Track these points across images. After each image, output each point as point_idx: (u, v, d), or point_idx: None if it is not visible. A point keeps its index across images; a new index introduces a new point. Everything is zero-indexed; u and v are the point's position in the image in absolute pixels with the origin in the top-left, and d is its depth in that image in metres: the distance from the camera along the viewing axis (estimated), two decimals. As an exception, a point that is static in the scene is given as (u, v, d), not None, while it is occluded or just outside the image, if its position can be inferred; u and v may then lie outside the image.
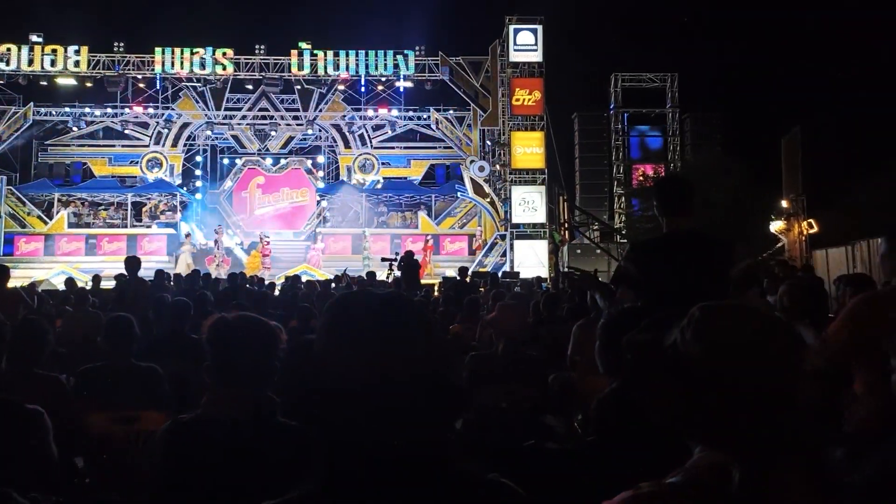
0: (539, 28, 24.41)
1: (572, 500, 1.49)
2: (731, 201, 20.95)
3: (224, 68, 24.61)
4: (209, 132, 26.21)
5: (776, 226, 18.94)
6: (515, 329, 3.62)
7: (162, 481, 1.92)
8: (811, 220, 17.98)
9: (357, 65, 24.73)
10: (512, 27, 24.36)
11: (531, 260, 23.22)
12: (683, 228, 2.99)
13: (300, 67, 24.64)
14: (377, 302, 1.07)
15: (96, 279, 11.90)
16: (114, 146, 26.75)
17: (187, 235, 22.69)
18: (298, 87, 25.10)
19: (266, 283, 14.42)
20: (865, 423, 2.41)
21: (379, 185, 26.53)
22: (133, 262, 8.17)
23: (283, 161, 26.95)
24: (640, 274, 2.92)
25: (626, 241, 24.87)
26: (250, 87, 25.53)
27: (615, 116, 30.36)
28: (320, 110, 25.84)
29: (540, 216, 24.34)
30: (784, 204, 19.14)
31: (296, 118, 26.19)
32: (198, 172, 27.04)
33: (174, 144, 26.11)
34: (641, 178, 27.57)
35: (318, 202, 26.43)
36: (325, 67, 24.66)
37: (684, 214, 3.00)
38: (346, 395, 0.98)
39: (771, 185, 21.33)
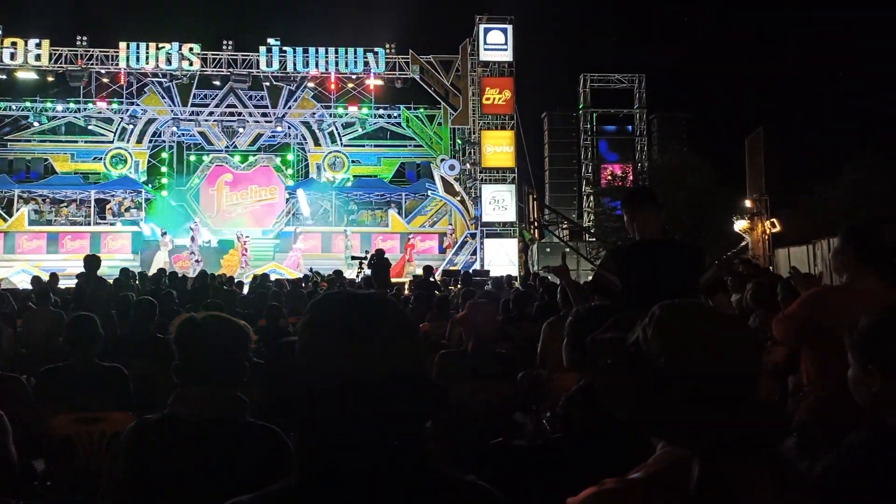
0: (509, 28, 24.52)
1: (538, 497, 1.52)
2: (696, 200, 21.31)
3: (191, 64, 24.23)
4: (175, 128, 25.79)
5: (740, 225, 19.34)
6: (485, 327, 3.64)
7: (128, 482, 1.90)
8: (774, 220, 18.39)
9: (327, 62, 24.55)
10: (482, 26, 24.43)
11: (501, 258, 23.33)
12: (655, 236, 3.08)
13: (269, 64, 24.38)
14: (358, 301, 1.08)
15: (53, 278, 11.57)
16: (76, 142, 26.13)
17: (164, 234, 22.30)
18: (267, 83, 24.84)
19: (235, 281, 14.24)
20: (812, 412, 2.50)
21: (349, 183, 26.40)
22: (92, 261, 7.99)
23: (251, 158, 26.64)
24: (619, 281, 2.97)
25: (595, 239, 25.15)
26: (218, 83, 25.19)
27: (584, 116, 30.64)
28: (290, 107, 25.61)
29: (510, 215, 24.47)
30: (748, 203, 19.54)
31: (264, 115, 25.90)
32: (164, 169, 26.57)
33: (139, 140, 25.62)
34: (610, 177, 27.86)
35: (288, 200, 26.19)
36: (295, 64, 24.43)
37: (654, 213, 3.09)
38: (327, 393, 0.98)
39: (735, 184, 21.75)
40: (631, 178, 26.25)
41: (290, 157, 27.32)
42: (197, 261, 20.83)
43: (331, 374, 0.99)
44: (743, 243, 19.65)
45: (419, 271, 21.37)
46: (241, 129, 26.24)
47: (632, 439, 1.19)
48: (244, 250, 22.21)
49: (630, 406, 1.05)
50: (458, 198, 24.92)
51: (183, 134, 26.40)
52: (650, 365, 1.04)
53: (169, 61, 24.08)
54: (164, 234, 22.31)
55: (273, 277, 14.82)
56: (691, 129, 30.83)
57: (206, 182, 26.12)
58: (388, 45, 24.87)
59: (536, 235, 23.76)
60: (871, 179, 23.60)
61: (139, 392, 3.66)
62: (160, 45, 24.03)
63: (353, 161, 26.52)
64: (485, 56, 24.47)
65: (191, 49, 24.21)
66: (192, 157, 27.09)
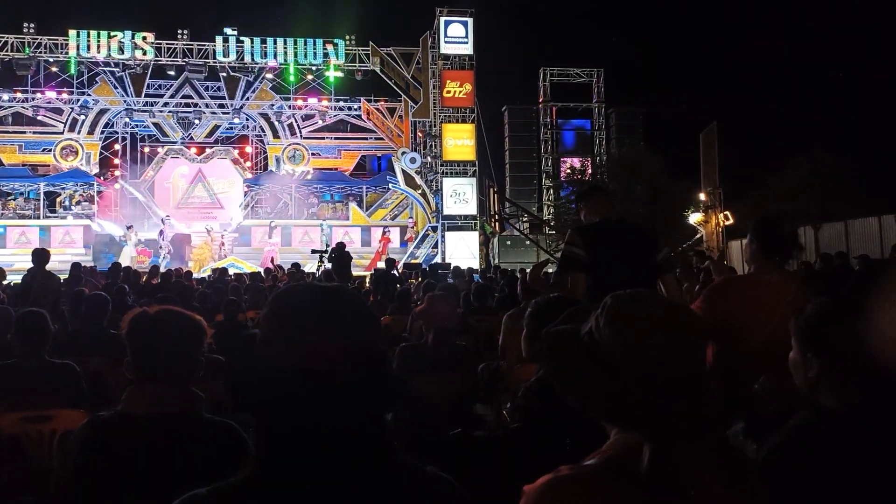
0: (470, 21, 24.53)
1: (496, 486, 1.53)
2: (652, 194, 21.71)
3: (144, 53, 23.60)
4: (129, 119, 25.13)
5: (695, 218, 19.76)
6: (445, 320, 3.66)
7: (80, 481, 1.86)
8: (727, 213, 18.84)
9: (286, 53, 24.21)
10: (443, 19, 24.39)
11: (462, 251, 23.41)
12: (615, 216, 3.19)
13: (225, 54, 23.92)
14: (320, 293, 1.08)
15: (-1, 273, 11.15)
16: (24, 133, 25.23)
17: (129, 227, 21.73)
18: (224, 74, 24.37)
19: (194, 275, 13.98)
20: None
21: (309, 176, 26.12)
22: (40, 255, 7.74)
23: (208, 150, 26.14)
24: (587, 256, 3.05)
25: (554, 232, 25.40)
26: (172, 73, 24.61)
27: (544, 110, 30.89)
28: (247, 99, 25.18)
29: (471, 208, 24.55)
30: (702, 197, 19.98)
31: (221, 106, 25.42)
32: (117, 161, 25.88)
33: (90, 132, 24.88)
34: (569, 170, 28.18)
35: (246, 193, 25.80)
36: (252, 55, 24.03)
37: (608, 203, 3.21)
38: (286, 385, 0.98)
39: (690, 178, 22.21)
40: (590, 171, 26.60)
41: (248, 149, 26.90)
42: (169, 252, 20.50)
43: (290, 365, 0.99)
44: (697, 235, 20.10)
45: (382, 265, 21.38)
46: (197, 121, 25.71)
47: (588, 427, 1.21)
48: (221, 243, 21.86)
49: (584, 395, 1.07)
50: (420, 191, 24.90)
51: (136, 125, 25.75)
52: (602, 354, 1.06)
53: (121, 50, 23.42)
54: (129, 227, 21.77)
55: (232, 272, 14.60)
56: (648, 123, 31.39)
57: (161, 174, 25.55)
58: (347, 37, 24.64)
59: (497, 228, 23.93)
60: (818, 173, 24.41)
61: (92, 389, 3.57)
62: (112, 33, 23.35)
63: (313, 153, 26.26)
64: (445, 49, 24.44)
65: (144, 38, 23.59)
66: (147, 149, 26.45)
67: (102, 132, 25.27)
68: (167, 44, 24.01)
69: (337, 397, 0.97)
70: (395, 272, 12.68)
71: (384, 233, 24.17)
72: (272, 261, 18.93)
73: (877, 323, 1.17)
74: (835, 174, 24.14)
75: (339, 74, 24.92)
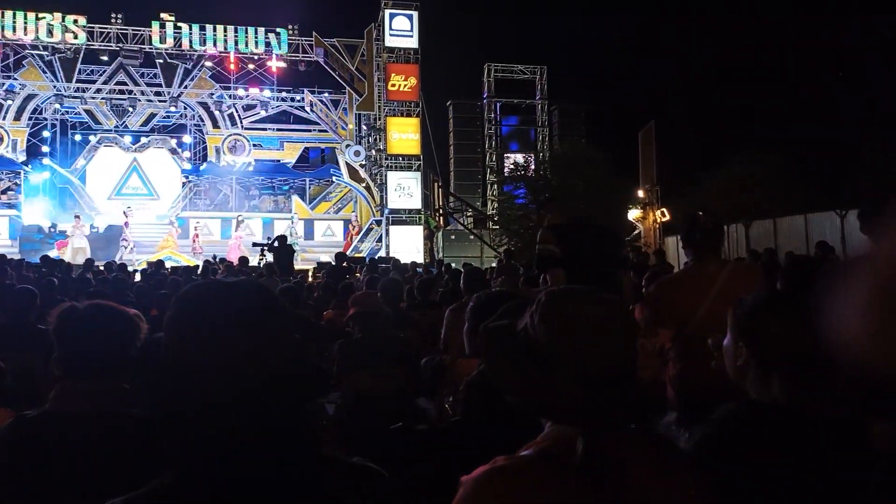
0: (415, 14, 24.45)
1: (437, 478, 1.55)
2: (593, 190, 22.16)
3: (75, 37, 22.61)
4: (59, 105, 24.02)
5: (634, 214, 20.27)
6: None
7: (7, 482, 1.79)
8: (664, 209, 19.38)
9: (226, 40, 23.60)
10: (388, 11, 24.23)
11: (407, 246, 23.40)
12: (581, 216, 3.31)
13: (162, 40, 23.15)
14: (223, 289, 1.06)
15: None
16: (-57, 118, 23.89)
17: (77, 217, 20.79)
18: (161, 60, 23.58)
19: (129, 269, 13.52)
20: (678, 387, 2.77)
21: (250, 168, 25.55)
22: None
23: (143, 139, 25.27)
24: (563, 252, 3.12)
25: (498, 227, 25.64)
26: (106, 58, 23.64)
27: (488, 106, 31.12)
28: (186, 87, 24.43)
29: (415, 202, 24.54)
30: (640, 194, 20.51)
31: (158, 94, 24.58)
32: (45, 149, 24.74)
33: (17, 118, 23.69)
34: (513, 166, 28.46)
35: (184, 184, 25.08)
36: (191, 41, 23.34)
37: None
38: (194, 385, 0.96)
39: (630, 175, 22.76)
40: (533, 167, 26.91)
41: (186, 139, 26.12)
42: (130, 248, 19.93)
43: (198, 365, 0.97)
44: (636, 231, 20.61)
45: (312, 257, 21.14)
46: (131, 109, 24.79)
47: (526, 420, 1.24)
48: (196, 236, 21.50)
49: (518, 389, 1.09)
50: (364, 184, 24.73)
51: (67, 112, 24.65)
52: (537, 349, 1.09)
53: (50, 33, 22.38)
54: (77, 216, 20.88)
55: (169, 265, 14.19)
56: (589, 120, 31.99)
57: (93, 164, 24.57)
58: (291, 27, 24.20)
59: (441, 223, 23.99)
60: (753, 171, 25.42)
61: (18, 386, 3.42)
62: (40, 14, 22.28)
63: (254, 145, 25.69)
64: (390, 42, 24.30)
65: (75, 21, 22.59)
66: (78, 137, 25.39)
67: (30, 118, 24.10)
68: (100, 27, 23.07)
69: (247, 396, 0.95)
70: (346, 265, 12.53)
71: (352, 226, 24.04)
72: (213, 256, 18.47)
73: (831, 319, 1.23)
74: (765, 173, 25.21)
75: (282, 65, 24.46)
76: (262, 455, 0.95)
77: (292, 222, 23.46)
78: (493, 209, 28.67)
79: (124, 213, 21.50)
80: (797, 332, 1.42)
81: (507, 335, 1.15)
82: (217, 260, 15.81)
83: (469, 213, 27.57)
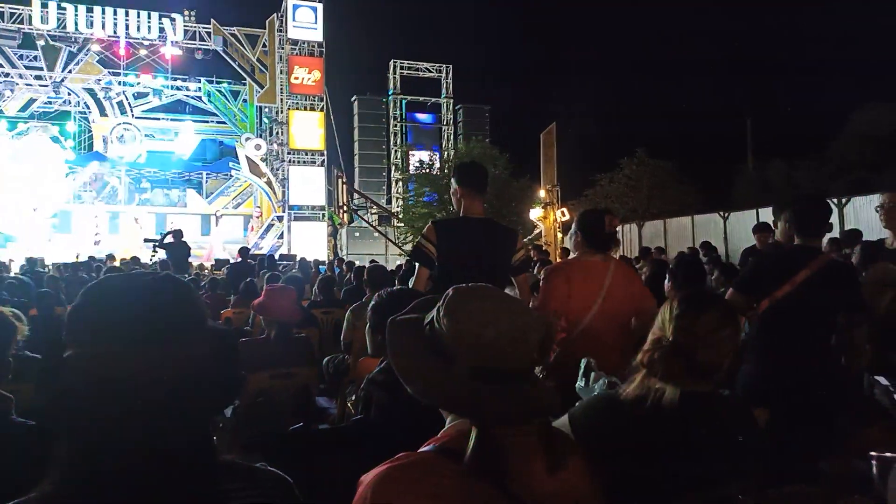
0: (319, 6, 24.04)
1: (339, 477, 1.54)
2: (496, 189, 22.59)
3: (-58, 11, 20.71)
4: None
5: (536, 213, 20.79)
6: (285, 313, 3.57)
7: None
8: (564, 209, 20.01)
9: (115, 24, 22.28)
10: (291, 2, 23.70)
11: (310, 242, 22.98)
12: (479, 214, 3.26)
13: (44, 21, 21.58)
14: (139, 286, 1.00)
15: None
16: None
17: None
18: (42, 42, 21.96)
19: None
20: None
21: (141, 159, 24.24)
22: None
23: (21, 126, 23.43)
24: (436, 250, 3.08)
25: (402, 224, 25.64)
26: (-22, 37, 21.80)
27: (394, 103, 31.06)
28: (70, 71, 22.86)
29: (319, 198, 24.15)
30: (542, 193, 21.08)
31: (39, 78, 22.87)
32: None
33: None
34: (418, 164, 28.55)
35: (67, 174, 23.46)
36: (76, 23, 21.87)
37: (483, 192, 3.31)
38: (97, 392, 0.91)
39: (532, 175, 23.38)
40: (438, 165, 27.11)
41: (70, 126, 24.42)
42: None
43: (97, 373, 0.91)
44: (537, 230, 21.17)
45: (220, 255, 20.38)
46: (9, 92, 22.94)
47: (427, 417, 1.25)
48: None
49: (422, 381, 1.10)
50: (265, 179, 24.06)
51: (-68, 93, 22.55)
52: (441, 344, 1.11)
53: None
54: None
55: (50, 263, 13.26)
56: (494, 120, 32.63)
57: (-37, 151, 22.57)
58: (187, 12, 23.16)
59: (345, 219, 23.72)
60: (642, 174, 26.88)
61: None
62: None
63: (146, 135, 24.40)
64: (293, 34, 23.76)
65: (-58, -6, 20.69)
66: (-55, 121, 23.26)
67: None
68: (-29, 3, 21.25)
69: (156, 404, 0.91)
70: (251, 261, 12.12)
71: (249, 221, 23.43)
72: (108, 255, 17.45)
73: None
74: (656, 176, 26.70)
75: (178, 52, 23.38)
76: (154, 464, 0.91)
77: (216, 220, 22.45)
78: (398, 206, 28.66)
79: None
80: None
81: (413, 328, 1.16)
82: (109, 256, 14.93)
83: (374, 210, 27.42)
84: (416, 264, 3.16)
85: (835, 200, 13.90)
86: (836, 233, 9.44)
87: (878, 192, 14.59)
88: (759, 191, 24.46)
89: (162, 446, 0.91)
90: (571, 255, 3.46)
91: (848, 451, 1.89)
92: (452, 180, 3.34)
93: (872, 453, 1.54)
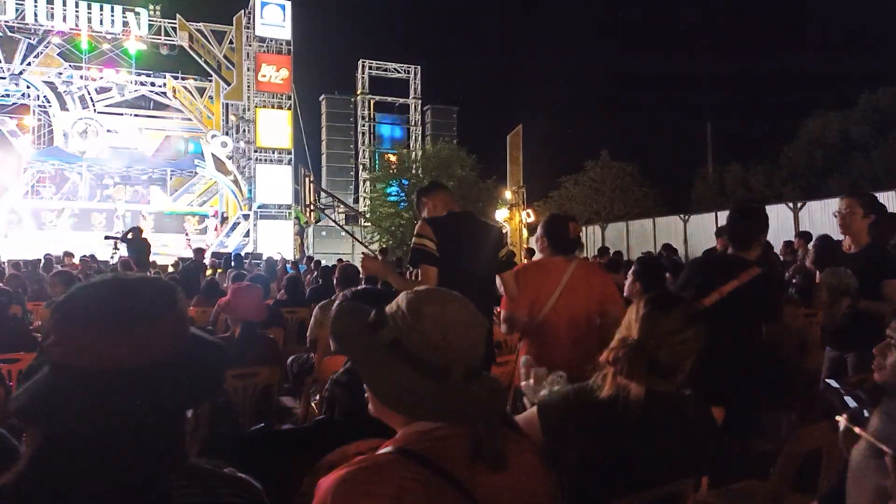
0: (287, 4, 23.84)
1: (298, 481, 1.55)
2: (463, 190, 22.68)
3: None
4: None
5: (501, 215, 20.91)
6: (251, 312, 3.55)
7: None
8: (529, 210, 20.18)
9: (77, 16, 21.78)
10: (259, 0, 23.45)
11: (276, 241, 22.76)
12: (461, 210, 3.30)
13: (1, 11, 21.00)
14: (116, 280, 1.01)
15: None
16: None
17: None
18: (0, 34, 21.36)
19: None
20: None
21: (103, 155, 23.67)
22: None
23: (-23, 119, 22.78)
24: (437, 248, 3.05)
25: (370, 224, 25.55)
26: (-68, 26, 21.12)
27: (362, 102, 30.94)
28: (29, 63, 22.27)
29: (286, 197, 23.93)
30: (508, 195, 21.22)
31: (-4, 70, 22.26)
32: None
33: None
34: (386, 163, 28.49)
35: (26, 169, 22.83)
36: (36, 15, 21.32)
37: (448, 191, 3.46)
38: (71, 388, 0.92)
39: (498, 176, 23.53)
40: (405, 165, 27.09)
41: (28, 120, 23.72)
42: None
43: (76, 367, 0.92)
44: (504, 231, 21.35)
45: (173, 252, 20.06)
46: (-36, 84, 22.28)
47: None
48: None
49: (380, 382, 1.13)
50: (231, 177, 23.76)
51: None
52: (400, 344, 1.13)
53: None
54: None
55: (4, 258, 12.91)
56: (461, 121, 32.72)
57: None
58: (152, 7, 22.74)
59: (312, 218, 23.55)
60: (605, 177, 27.30)
61: None
62: None
63: (108, 131, 23.83)
64: (261, 31, 23.52)
65: None
66: None
67: None
68: (-75, -9, 20.58)
69: (132, 403, 0.92)
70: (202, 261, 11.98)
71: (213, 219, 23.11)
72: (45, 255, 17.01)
73: None
74: (619, 179, 27.13)
75: (142, 46, 22.95)
76: (122, 465, 0.91)
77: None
78: (365, 206, 28.55)
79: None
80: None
81: (374, 330, 1.18)
82: (64, 254, 14.58)
83: (341, 210, 27.28)
84: (420, 266, 3.09)
85: (790, 204, 14.30)
86: (790, 235, 9.75)
87: (830, 196, 15.09)
88: (718, 194, 25.03)
89: (130, 428, 0.92)
90: (536, 256, 3.54)
91: (794, 445, 1.97)
92: (422, 199, 3.37)
93: (839, 418, 1.62)
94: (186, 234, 22.88)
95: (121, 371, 0.93)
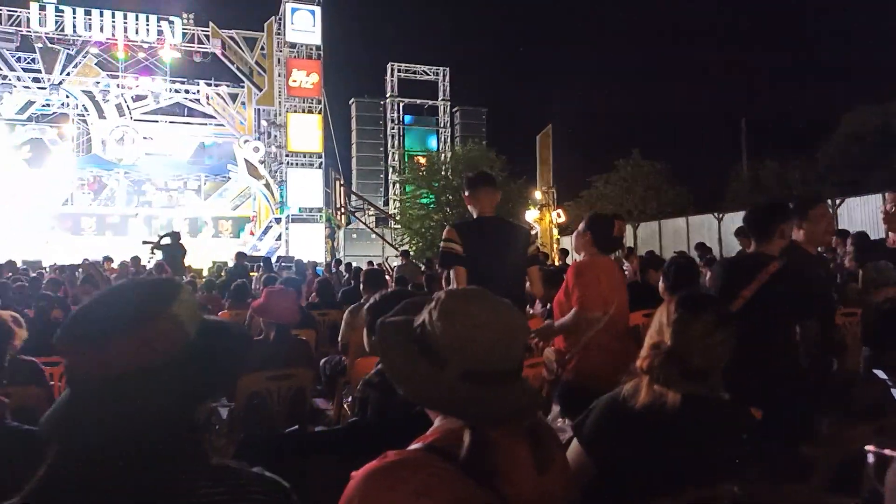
0: (317, 10, 24.06)
1: (331, 480, 1.56)
2: (494, 191, 22.61)
3: (-60, 14, 20.69)
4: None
5: (532, 215, 20.83)
6: (285, 314, 3.60)
7: None
8: (560, 210, 20.07)
9: (114, 27, 22.29)
10: (289, 6, 23.72)
11: (307, 244, 22.99)
12: (491, 213, 3.41)
13: (42, 23, 21.57)
14: (125, 285, 1.03)
15: None
16: None
17: None
18: (40, 45, 21.96)
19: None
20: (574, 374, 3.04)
21: (140, 161, 24.17)
22: None
23: (20, 128, 23.40)
24: (463, 251, 3.21)
25: (399, 226, 25.66)
26: (-23, 40, 21.78)
27: (391, 105, 31.08)
28: (68, 74, 22.84)
29: (317, 200, 24.15)
30: (538, 195, 21.13)
31: (37, 80, 22.84)
32: None
33: None
34: (415, 166, 28.58)
35: (66, 178, 23.41)
36: (75, 26, 21.86)
37: (490, 192, 3.55)
38: (73, 380, 0.94)
39: (528, 177, 23.45)
40: (435, 167, 27.15)
41: (67, 129, 24.31)
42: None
43: (85, 372, 0.95)
44: (533, 232, 21.23)
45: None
46: (6, 95, 22.91)
47: (422, 418, 1.28)
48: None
49: (412, 382, 1.13)
50: (263, 181, 24.07)
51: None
52: (432, 345, 1.13)
53: None
54: None
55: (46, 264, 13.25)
56: (491, 122, 32.67)
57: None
58: (185, 15, 23.16)
59: (343, 221, 23.75)
60: (637, 175, 26.95)
61: None
62: None
63: (145, 138, 24.34)
64: (291, 37, 23.78)
65: (-60, -3, 20.67)
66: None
67: None
68: (-31, 6, 21.23)
69: (147, 404, 0.94)
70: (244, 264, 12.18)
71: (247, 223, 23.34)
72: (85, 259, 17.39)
73: None
74: (651, 178, 26.76)
75: (176, 55, 23.38)
76: (140, 465, 0.93)
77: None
78: (395, 208, 28.67)
79: None
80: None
81: (403, 330, 1.18)
82: (104, 259, 14.92)
83: (371, 212, 27.44)
84: (450, 268, 3.29)
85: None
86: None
87: (869, 192, 14.69)
88: (753, 192, 24.54)
89: (139, 431, 0.93)
90: (576, 254, 3.57)
91: (835, 448, 1.92)
92: (465, 192, 3.55)
93: (868, 447, 1.57)
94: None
95: (121, 377, 0.95)
